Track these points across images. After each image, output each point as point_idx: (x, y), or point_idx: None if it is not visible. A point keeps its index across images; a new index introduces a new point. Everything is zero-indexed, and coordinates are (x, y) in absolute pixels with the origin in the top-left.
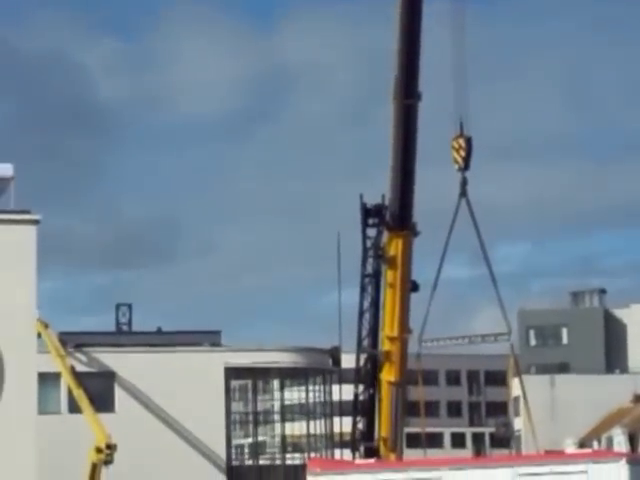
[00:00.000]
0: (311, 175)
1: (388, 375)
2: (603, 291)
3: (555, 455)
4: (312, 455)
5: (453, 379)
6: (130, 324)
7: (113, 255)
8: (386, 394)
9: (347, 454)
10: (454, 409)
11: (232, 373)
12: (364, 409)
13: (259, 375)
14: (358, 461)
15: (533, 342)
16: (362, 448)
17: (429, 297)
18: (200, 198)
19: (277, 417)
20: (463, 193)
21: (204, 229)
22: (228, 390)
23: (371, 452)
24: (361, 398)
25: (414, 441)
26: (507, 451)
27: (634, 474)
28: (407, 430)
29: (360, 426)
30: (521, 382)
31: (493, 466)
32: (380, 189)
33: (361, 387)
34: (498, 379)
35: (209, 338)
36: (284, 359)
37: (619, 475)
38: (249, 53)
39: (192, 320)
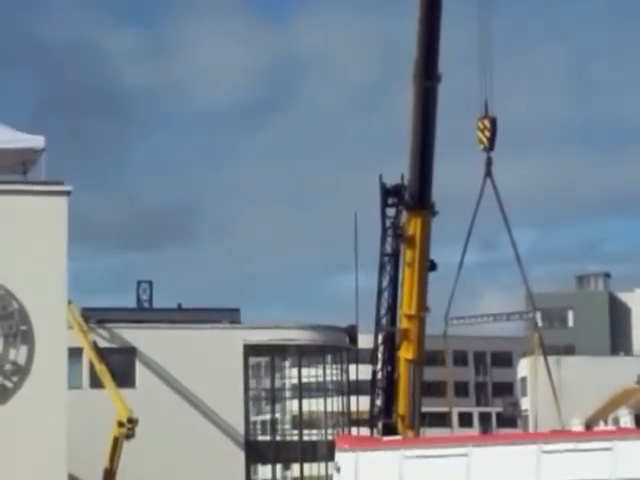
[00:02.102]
0: (326, 161)
1: (406, 353)
2: (608, 275)
3: (581, 433)
4: (329, 432)
5: (460, 360)
6: (151, 301)
7: (132, 237)
8: (404, 372)
9: (363, 432)
10: (461, 389)
11: (251, 350)
12: (382, 386)
13: (277, 352)
14: (386, 438)
15: (539, 324)
16: (380, 425)
17: (456, 276)
18: (218, 182)
19: (294, 394)
20: (488, 173)
21: (222, 212)
22: (247, 367)
23: (389, 429)
24: (379, 376)
25: (431, 420)
26: (514, 431)
27: None
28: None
29: (378, 403)
30: (545, 359)
31: (518, 443)
32: (395, 174)
33: (379, 365)
34: (504, 360)
35: (228, 316)
36: (302, 337)
37: None
38: (264, 41)
39: (211, 300)
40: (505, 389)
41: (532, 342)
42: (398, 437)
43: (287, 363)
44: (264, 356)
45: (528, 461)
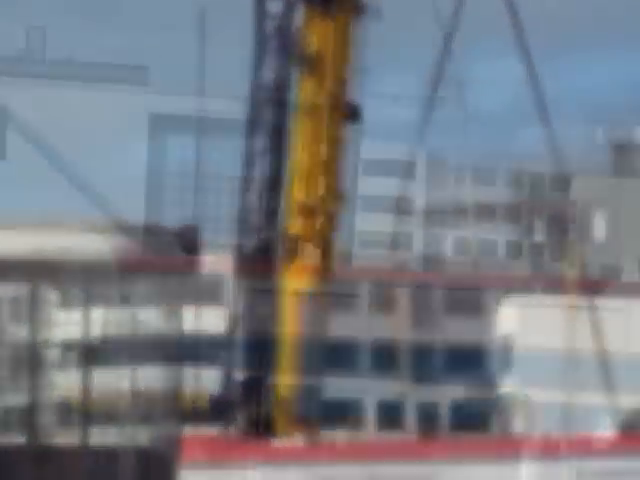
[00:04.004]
0: None
1: (297, 280)
2: None
3: None
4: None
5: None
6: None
7: None
8: (292, 317)
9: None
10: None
11: None
12: (248, 344)
13: None
14: (276, 444)
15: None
16: (239, 418)
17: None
18: None
19: None
20: None
21: None
22: None
23: (257, 426)
24: (240, 325)
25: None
26: None
27: None
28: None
29: (240, 378)
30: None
31: None
32: None
33: (242, 305)
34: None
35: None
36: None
37: None
38: None
39: None
40: None
41: (574, 260)
42: (299, 442)
43: None
44: None
45: None
